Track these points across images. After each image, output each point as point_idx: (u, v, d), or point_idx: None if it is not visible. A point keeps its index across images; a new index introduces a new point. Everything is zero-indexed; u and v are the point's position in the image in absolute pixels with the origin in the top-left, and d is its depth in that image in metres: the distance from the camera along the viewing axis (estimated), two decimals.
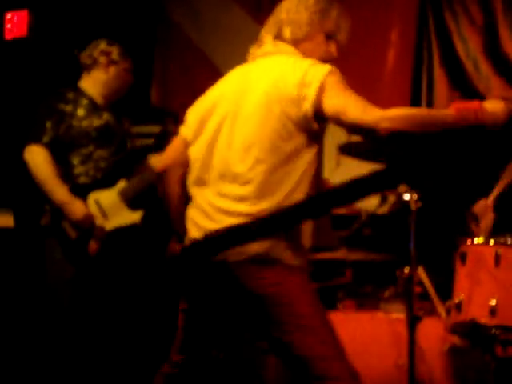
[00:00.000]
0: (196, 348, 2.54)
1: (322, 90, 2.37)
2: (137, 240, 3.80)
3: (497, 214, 3.57)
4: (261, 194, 2.39)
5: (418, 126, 2.28)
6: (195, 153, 2.58)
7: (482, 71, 4.59)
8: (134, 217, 3.75)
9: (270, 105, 2.41)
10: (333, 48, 2.58)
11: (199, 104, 2.68)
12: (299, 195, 2.40)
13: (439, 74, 4.73)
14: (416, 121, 2.29)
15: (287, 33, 2.54)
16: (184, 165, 2.63)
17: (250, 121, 2.45)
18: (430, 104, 4.75)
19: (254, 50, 2.63)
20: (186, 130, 2.68)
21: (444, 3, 4.70)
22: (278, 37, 2.56)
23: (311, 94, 2.37)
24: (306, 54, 2.53)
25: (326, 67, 2.41)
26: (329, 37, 2.57)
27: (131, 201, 3.76)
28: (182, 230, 2.65)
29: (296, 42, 2.54)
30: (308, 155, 2.43)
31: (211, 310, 2.51)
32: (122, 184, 3.78)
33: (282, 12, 2.59)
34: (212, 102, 2.61)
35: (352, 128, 2.37)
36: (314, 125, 2.40)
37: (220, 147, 2.50)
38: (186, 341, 2.54)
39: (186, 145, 2.63)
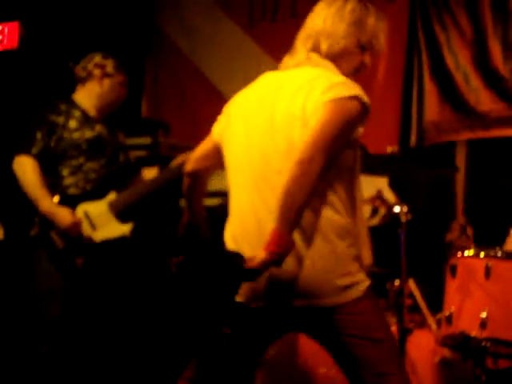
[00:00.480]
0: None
1: (319, 108, 2.30)
2: (126, 252, 3.79)
3: (472, 227, 3.60)
4: None
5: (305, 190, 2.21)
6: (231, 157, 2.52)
7: (472, 84, 4.60)
8: (123, 229, 3.75)
9: (292, 123, 2.35)
10: (367, 58, 2.51)
11: (230, 106, 2.59)
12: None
13: (429, 87, 4.74)
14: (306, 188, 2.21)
15: (324, 46, 2.45)
16: (213, 167, 2.62)
17: (268, 134, 2.39)
18: (420, 116, 4.77)
19: (286, 59, 2.54)
20: (217, 130, 2.60)
21: (434, 16, 4.72)
22: (315, 49, 2.46)
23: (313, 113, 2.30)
24: (342, 68, 2.46)
25: (347, 92, 2.31)
26: (364, 48, 2.49)
27: (121, 213, 3.76)
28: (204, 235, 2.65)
29: (332, 56, 2.45)
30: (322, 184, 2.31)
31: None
32: (112, 196, 3.77)
33: (318, 21, 2.48)
34: (239, 107, 2.53)
35: None
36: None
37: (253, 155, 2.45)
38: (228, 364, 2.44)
39: (217, 145, 2.57)
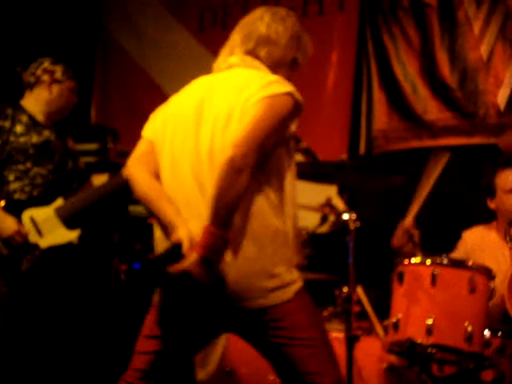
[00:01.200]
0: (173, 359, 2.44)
1: (255, 104, 2.28)
2: (73, 259, 3.75)
3: (421, 231, 3.65)
4: None
5: (230, 197, 2.18)
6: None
7: (420, 94, 4.67)
8: (70, 236, 3.71)
9: (228, 121, 2.34)
10: (294, 72, 2.53)
11: (163, 110, 2.56)
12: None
13: (378, 96, 4.80)
14: (234, 192, 2.18)
15: (263, 53, 2.46)
16: (153, 167, 2.45)
17: (210, 135, 2.36)
18: (369, 125, 4.82)
19: (220, 62, 2.53)
20: (151, 133, 2.52)
21: (382, 26, 4.78)
22: (252, 53, 2.46)
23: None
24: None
25: (283, 89, 2.32)
26: (294, 62, 2.51)
27: (68, 220, 3.72)
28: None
29: (268, 64, 2.47)
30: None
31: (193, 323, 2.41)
32: (59, 202, 3.73)
33: (262, 25, 2.47)
34: (173, 112, 2.50)
35: None
36: None
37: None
38: (161, 352, 2.41)
39: (153, 146, 2.48)
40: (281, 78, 2.39)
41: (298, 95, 2.35)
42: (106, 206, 3.89)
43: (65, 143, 3.90)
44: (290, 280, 2.34)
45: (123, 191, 3.64)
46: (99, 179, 3.91)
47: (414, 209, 3.57)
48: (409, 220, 3.58)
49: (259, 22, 2.50)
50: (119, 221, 4.45)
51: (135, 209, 4.51)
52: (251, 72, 2.42)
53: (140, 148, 2.52)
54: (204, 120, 2.39)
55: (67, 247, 3.71)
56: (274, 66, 2.48)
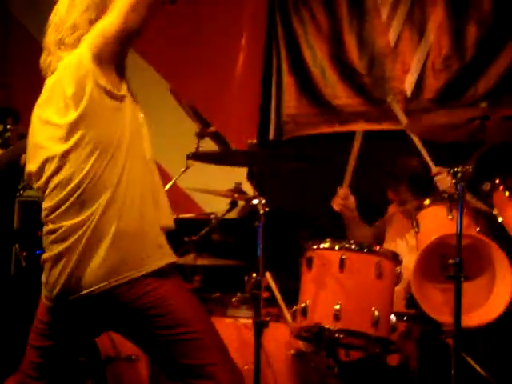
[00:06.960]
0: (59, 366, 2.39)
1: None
2: None
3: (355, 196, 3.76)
4: None
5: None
6: None
7: (329, 78, 4.68)
8: None
9: None
10: None
11: None
12: None
13: (288, 80, 4.79)
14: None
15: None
16: None
17: None
18: (278, 110, 4.80)
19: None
20: None
21: (292, 10, 4.76)
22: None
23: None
24: None
25: None
26: None
27: None
28: None
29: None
30: None
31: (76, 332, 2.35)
32: None
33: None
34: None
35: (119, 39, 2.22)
36: None
37: None
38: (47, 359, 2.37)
39: None
40: None
41: None
42: None
43: None
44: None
45: (12, 175, 3.48)
46: None
47: (347, 179, 3.71)
48: (344, 187, 3.72)
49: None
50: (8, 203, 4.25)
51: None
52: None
53: None
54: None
55: None
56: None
